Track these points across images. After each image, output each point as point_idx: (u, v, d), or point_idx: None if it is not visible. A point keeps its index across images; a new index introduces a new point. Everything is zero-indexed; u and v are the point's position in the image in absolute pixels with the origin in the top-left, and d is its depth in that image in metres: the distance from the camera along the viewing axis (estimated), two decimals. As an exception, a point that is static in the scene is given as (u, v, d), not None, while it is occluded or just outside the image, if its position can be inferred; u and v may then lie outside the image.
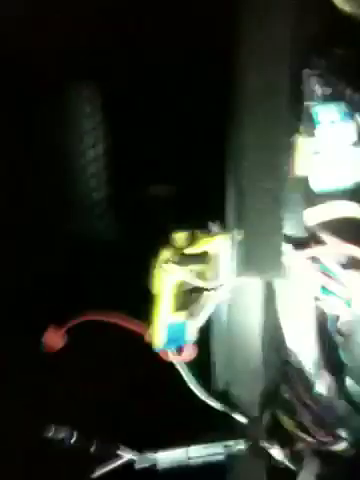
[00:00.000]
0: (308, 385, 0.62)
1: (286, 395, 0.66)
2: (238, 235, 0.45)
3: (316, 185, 0.54)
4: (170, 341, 0.60)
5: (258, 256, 0.45)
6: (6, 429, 0.72)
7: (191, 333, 0.60)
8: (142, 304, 0.60)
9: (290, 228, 0.51)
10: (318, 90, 0.54)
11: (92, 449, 0.57)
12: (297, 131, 0.48)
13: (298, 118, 0.49)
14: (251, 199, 0.43)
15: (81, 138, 0.79)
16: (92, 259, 0.81)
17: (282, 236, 0.45)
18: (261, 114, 0.42)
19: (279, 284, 0.57)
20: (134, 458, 0.57)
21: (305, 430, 0.65)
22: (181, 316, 0.58)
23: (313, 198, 0.55)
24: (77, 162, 0.81)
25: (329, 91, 0.54)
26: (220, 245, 0.54)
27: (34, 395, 0.76)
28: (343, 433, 0.63)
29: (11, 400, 0.74)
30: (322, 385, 0.61)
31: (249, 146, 0.42)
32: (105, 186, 0.81)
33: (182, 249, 0.55)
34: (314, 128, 0.52)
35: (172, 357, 0.60)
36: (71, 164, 0.81)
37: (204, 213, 0.60)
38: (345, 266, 0.57)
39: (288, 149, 0.44)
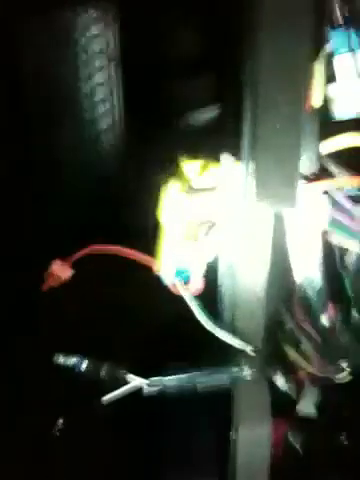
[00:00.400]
0: (313, 317, 0.63)
1: (290, 326, 0.67)
2: (252, 164, 0.44)
3: (331, 114, 0.53)
4: (178, 273, 0.60)
5: (273, 185, 0.44)
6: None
7: (199, 264, 0.60)
8: (151, 240, 0.61)
9: (303, 160, 0.50)
10: (339, 17, 0.51)
11: (102, 374, 0.58)
12: (316, 56, 0.46)
13: (317, 43, 0.47)
14: (267, 125, 0.42)
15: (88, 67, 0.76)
16: (101, 194, 0.80)
17: (298, 164, 0.44)
18: (282, 32, 0.40)
19: (289, 216, 0.56)
20: (143, 384, 0.58)
21: (307, 360, 0.67)
22: (190, 247, 0.58)
23: (326, 129, 0.54)
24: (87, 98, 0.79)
25: (350, 18, 0.52)
26: (231, 176, 0.54)
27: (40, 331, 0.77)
28: (344, 363, 0.64)
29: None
30: (327, 316, 0.62)
31: (267, 66, 0.40)
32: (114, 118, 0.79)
33: (192, 179, 0.54)
34: (332, 55, 0.50)
35: (180, 289, 0.61)
36: (78, 96, 0.79)
37: (216, 146, 0.59)
38: (355, 200, 0.57)
39: (307, 73, 0.42)
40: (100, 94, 0.80)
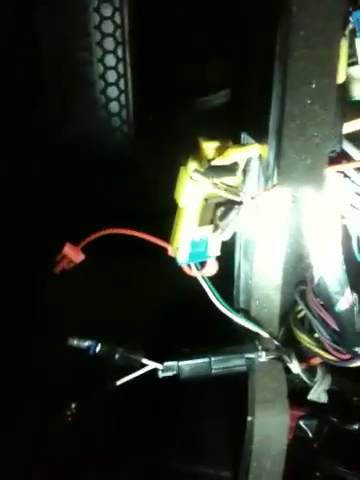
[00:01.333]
0: (330, 303, 0.62)
1: (306, 312, 0.67)
2: (278, 143, 0.43)
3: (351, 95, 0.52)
4: (193, 255, 0.59)
5: (299, 166, 0.43)
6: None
7: (215, 248, 0.60)
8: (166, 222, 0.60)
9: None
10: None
11: (116, 357, 0.57)
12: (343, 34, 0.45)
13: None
14: (296, 100, 0.41)
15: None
16: (111, 174, 0.79)
17: (328, 144, 0.42)
18: (316, 5, 0.38)
19: (308, 199, 0.56)
20: (158, 367, 0.58)
21: (323, 347, 0.66)
22: (206, 230, 0.57)
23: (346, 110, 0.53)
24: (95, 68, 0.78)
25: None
26: (252, 156, 0.53)
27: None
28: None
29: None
30: (344, 302, 0.61)
31: (298, 39, 0.39)
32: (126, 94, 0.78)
33: (211, 160, 0.53)
34: (355, 36, 0.49)
35: (195, 272, 0.60)
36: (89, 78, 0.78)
37: (234, 127, 0.58)
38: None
39: (339, 47, 0.41)
40: (110, 77, 0.79)
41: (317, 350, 0.67)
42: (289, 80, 0.39)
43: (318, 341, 0.67)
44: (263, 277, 0.61)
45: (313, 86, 0.40)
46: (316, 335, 0.67)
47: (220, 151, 0.53)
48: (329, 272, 0.59)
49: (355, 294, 0.62)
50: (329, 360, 0.67)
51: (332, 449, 0.72)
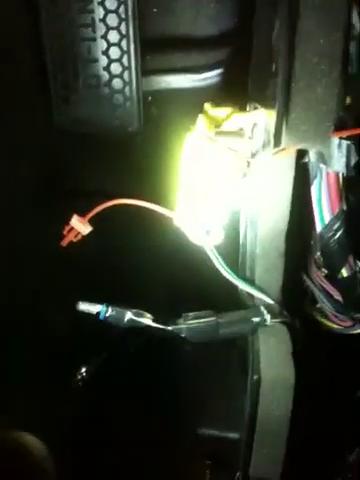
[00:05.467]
0: (333, 269, 0.63)
1: (308, 283, 0.68)
2: (285, 103, 0.44)
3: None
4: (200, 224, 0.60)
5: (307, 123, 0.44)
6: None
7: (222, 214, 0.61)
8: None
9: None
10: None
11: (125, 321, 0.59)
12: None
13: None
14: (304, 58, 0.41)
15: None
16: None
17: (335, 103, 0.43)
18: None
19: (312, 165, 0.57)
20: (167, 328, 0.59)
21: (325, 316, 0.68)
22: (214, 195, 0.58)
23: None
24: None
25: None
26: (257, 121, 0.54)
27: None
28: (360, 317, 0.65)
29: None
30: (347, 269, 0.62)
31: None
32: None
33: (218, 126, 0.54)
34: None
35: (201, 239, 0.61)
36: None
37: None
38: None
39: (348, 7, 0.42)
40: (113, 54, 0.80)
41: (320, 318, 0.69)
42: (296, 38, 0.40)
43: (321, 310, 0.68)
44: (267, 244, 0.63)
45: (321, 42, 0.41)
46: (318, 305, 0.68)
47: (226, 117, 0.54)
48: (332, 237, 0.60)
49: (358, 261, 0.63)
50: (331, 328, 0.68)
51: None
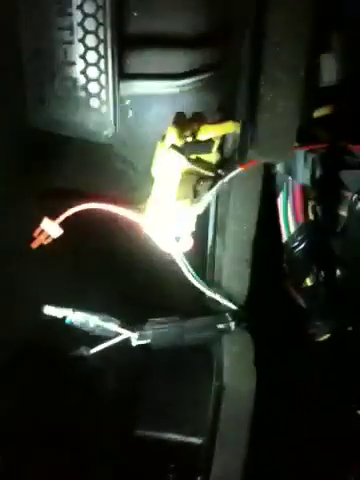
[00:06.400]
0: (297, 278, 0.65)
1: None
2: (250, 118, 0.45)
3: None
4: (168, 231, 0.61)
5: (271, 137, 0.45)
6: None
7: (190, 222, 0.62)
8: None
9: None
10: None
11: (91, 326, 0.59)
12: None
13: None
14: (269, 76, 0.43)
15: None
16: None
17: (298, 117, 0.45)
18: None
19: (278, 176, 0.58)
20: (132, 335, 0.60)
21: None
22: (183, 204, 0.59)
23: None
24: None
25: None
26: (227, 133, 0.55)
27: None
28: (326, 325, 0.67)
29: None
30: (311, 279, 0.64)
31: (272, 20, 0.41)
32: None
33: (187, 136, 0.55)
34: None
35: (170, 246, 0.62)
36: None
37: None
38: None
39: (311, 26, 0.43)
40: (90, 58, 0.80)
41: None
42: (263, 53, 0.41)
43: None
44: (234, 252, 0.64)
45: (285, 58, 0.42)
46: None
47: (196, 128, 0.55)
48: (297, 247, 0.62)
49: (322, 271, 0.65)
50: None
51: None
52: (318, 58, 0.58)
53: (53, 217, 0.67)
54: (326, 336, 0.66)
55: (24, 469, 0.61)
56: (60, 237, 0.67)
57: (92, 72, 0.81)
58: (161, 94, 0.81)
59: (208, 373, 0.62)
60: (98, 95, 0.82)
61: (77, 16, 0.80)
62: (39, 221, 0.67)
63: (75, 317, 0.60)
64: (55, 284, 0.72)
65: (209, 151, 0.55)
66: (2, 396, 0.64)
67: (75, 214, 0.65)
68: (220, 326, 0.62)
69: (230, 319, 0.62)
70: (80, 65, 0.82)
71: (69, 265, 0.77)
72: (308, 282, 0.64)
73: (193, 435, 0.63)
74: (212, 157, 0.57)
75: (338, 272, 0.60)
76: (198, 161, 0.56)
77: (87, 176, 0.83)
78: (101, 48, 0.81)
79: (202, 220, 0.64)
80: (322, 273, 0.64)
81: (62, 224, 0.67)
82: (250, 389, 0.56)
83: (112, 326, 0.60)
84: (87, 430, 0.64)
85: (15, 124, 0.80)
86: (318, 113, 0.59)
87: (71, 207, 0.66)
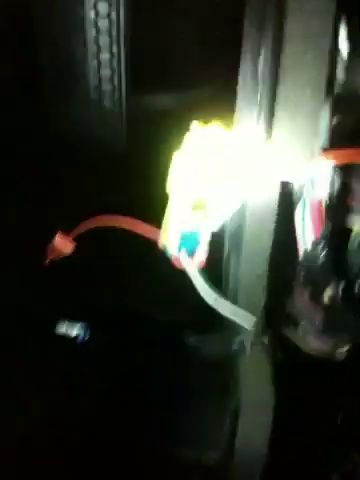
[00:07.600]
0: (315, 292, 0.63)
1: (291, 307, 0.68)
2: (269, 127, 0.44)
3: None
4: (182, 245, 0.60)
5: (290, 150, 0.44)
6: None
7: (204, 239, 0.60)
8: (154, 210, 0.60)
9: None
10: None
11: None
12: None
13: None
14: (288, 87, 0.42)
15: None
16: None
17: (317, 130, 0.44)
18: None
19: (296, 188, 0.57)
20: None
21: (303, 341, 0.67)
22: (196, 220, 0.58)
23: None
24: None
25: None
26: (243, 146, 0.54)
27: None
28: (345, 341, 0.65)
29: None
30: (330, 292, 0.62)
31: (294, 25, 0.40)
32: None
33: (206, 144, 0.54)
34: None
35: (183, 262, 0.61)
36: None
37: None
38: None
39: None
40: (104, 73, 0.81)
41: (299, 343, 0.68)
42: (282, 66, 0.41)
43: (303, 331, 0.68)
44: (250, 269, 0.63)
45: (306, 72, 0.41)
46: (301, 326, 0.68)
47: (215, 136, 0.54)
48: (314, 261, 0.60)
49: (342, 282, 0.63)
50: (312, 351, 0.68)
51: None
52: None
53: (66, 231, 0.67)
54: (345, 349, 0.65)
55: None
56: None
57: (105, 87, 0.82)
58: (174, 107, 0.81)
59: (224, 388, 0.61)
60: (111, 110, 0.82)
61: (91, 32, 0.80)
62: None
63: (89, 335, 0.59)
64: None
65: (228, 161, 0.54)
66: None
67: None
68: (236, 342, 0.60)
69: (246, 334, 0.61)
70: (94, 80, 0.82)
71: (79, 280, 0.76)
72: (327, 295, 0.62)
73: (211, 452, 0.61)
74: (230, 167, 0.55)
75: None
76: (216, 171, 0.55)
77: (100, 189, 0.83)
78: (115, 63, 0.81)
79: (217, 234, 0.63)
80: (342, 285, 0.63)
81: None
82: (268, 404, 0.55)
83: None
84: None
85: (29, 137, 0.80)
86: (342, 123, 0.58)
87: (84, 221, 0.66)
